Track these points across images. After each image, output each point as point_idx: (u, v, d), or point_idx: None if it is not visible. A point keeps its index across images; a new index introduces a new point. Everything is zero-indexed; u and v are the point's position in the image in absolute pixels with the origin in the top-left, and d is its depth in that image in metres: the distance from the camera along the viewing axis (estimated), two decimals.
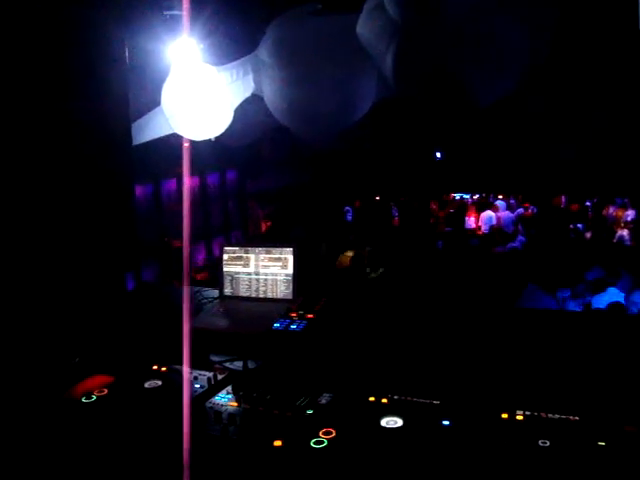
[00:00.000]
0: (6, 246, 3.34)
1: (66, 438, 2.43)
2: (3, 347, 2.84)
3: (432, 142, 13.63)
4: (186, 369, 2.59)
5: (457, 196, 17.53)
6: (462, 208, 15.72)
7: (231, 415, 2.30)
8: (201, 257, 11.47)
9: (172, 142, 5.22)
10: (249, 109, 5.27)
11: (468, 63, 3.48)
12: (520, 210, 14.41)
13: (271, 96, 4.94)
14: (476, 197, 17.09)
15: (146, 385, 2.67)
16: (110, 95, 4.02)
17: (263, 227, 13.43)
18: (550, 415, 2.13)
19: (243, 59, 5.00)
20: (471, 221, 14.24)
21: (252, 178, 12.89)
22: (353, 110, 5.22)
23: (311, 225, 10.92)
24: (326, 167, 13.26)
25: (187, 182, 5.73)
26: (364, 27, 3.98)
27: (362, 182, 14.84)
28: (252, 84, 4.99)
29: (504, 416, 2.14)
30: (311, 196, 13.35)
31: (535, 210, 14.46)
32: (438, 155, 14.83)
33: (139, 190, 9.95)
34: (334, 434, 2.12)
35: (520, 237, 11.38)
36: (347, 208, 15.55)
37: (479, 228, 13.73)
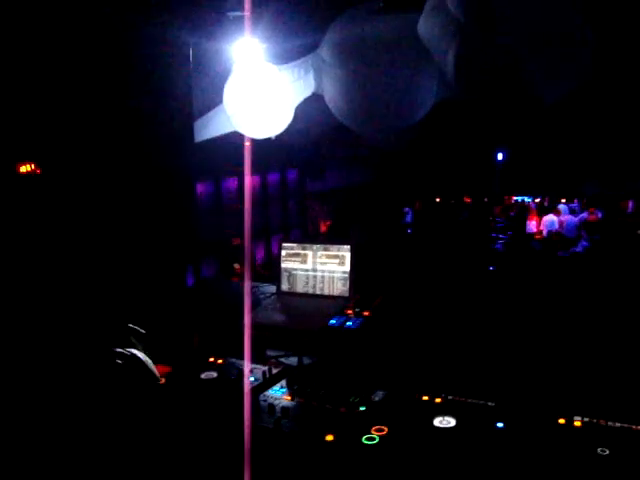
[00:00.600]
0: (70, 242, 3.46)
1: (124, 423, 2.50)
2: (66, 336, 2.93)
3: (494, 143, 13.42)
4: (247, 362, 2.64)
5: (518, 199, 17.20)
6: (523, 211, 15.41)
7: (284, 408, 2.33)
8: (260, 255, 11.58)
9: (233, 140, 5.30)
10: (310, 108, 5.29)
11: (531, 60, 3.41)
12: (584, 215, 13.99)
13: (332, 95, 4.94)
14: (538, 200, 16.72)
15: (202, 376, 2.73)
16: (173, 94, 4.13)
17: (322, 227, 13.47)
18: (610, 423, 2.07)
19: (304, 58, 5.02)
20: (532, 225, 13.92)
21: (312, 177, 12.94)
22: (414, 110, 5.17)
23: (370, 225, 10.89)
24: (387, 167, 13.21)
25: (248, 180, 5.79)
26: (425, 26, 3.94)
27: (423, 183, 14.72)
28: (313, 83, 5.00)
29: (561, 421, 2.10)
30: (371, 196, 13.32)
31: (600, 215, 13.99)
32: (500, 157, 14.57)
33: (200, 188, 10.13)
34: (386, 431, 2.12)
35: (583, 242, 11.07)
36: (407, 209, 15.42)
37: (540, 232, 13.42)
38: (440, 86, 4.81)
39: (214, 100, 4.86)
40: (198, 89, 4.83)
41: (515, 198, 17.26)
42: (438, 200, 16.71)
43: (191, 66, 4.41)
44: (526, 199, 17.14)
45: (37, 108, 3.61)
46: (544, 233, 13.16)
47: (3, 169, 3.51)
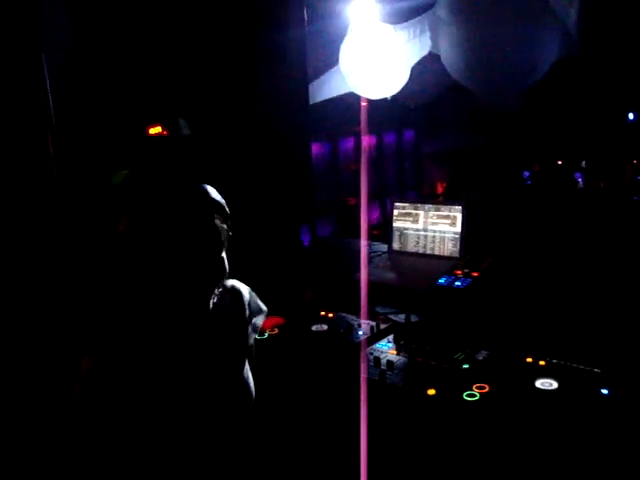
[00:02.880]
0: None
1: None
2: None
3: (624, 102, 12.60)
4: (363, 315, 2.76)
5: None
6: None
7: (389, 362, 2.42)
8: (375, 216, 11.63)
9: (350, 101, 5.35)
10: (426, 68, 5.24)
11: None
12: None
13: (448, 55, 4.86)
14: None
15: (313, 328, 2.87)
16: (289, 56, 4.22)
17: (439, 188, 13.31)
18: None
19: (420, 17, 4.95)
20: None
21: (429, 138, 12.77)
22: (534, 68, 5.00)
23: (485, 188, 10.64)
24: (504, 128, 12.78)
25: (365, 140, 5.84)
26: None
27: (543, 145, 14.11)
28: (429, 42, 4.93)
29: None
30: (488, 158, 12.98)
31: None
32: (631, 117, 13.66)
33: (317, 148, 10.27)
34: (487, 389, 2.17)
35: None
36: (527, 174, 14.78)
37: None
38: (563, 42, 4.61)
39: (330, 61, 4.92)
40: (314, 50, 4.90)
41: None
42: (559, 163, 15.97)
43: (306, 27, 4.48)
44: None
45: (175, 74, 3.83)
46: None
47: (135, 131, 3.76)
